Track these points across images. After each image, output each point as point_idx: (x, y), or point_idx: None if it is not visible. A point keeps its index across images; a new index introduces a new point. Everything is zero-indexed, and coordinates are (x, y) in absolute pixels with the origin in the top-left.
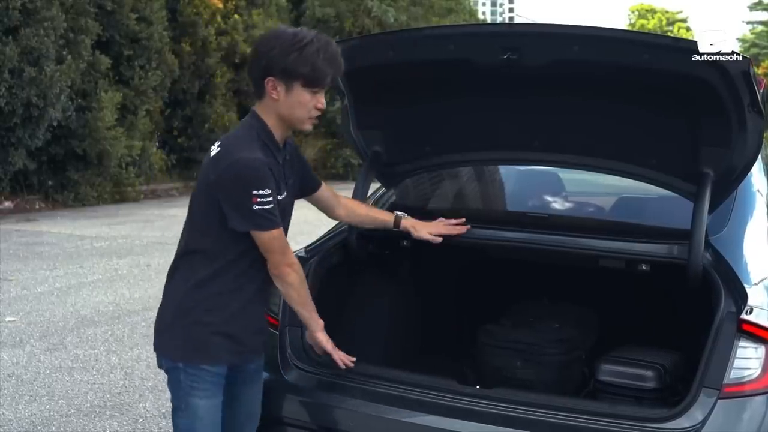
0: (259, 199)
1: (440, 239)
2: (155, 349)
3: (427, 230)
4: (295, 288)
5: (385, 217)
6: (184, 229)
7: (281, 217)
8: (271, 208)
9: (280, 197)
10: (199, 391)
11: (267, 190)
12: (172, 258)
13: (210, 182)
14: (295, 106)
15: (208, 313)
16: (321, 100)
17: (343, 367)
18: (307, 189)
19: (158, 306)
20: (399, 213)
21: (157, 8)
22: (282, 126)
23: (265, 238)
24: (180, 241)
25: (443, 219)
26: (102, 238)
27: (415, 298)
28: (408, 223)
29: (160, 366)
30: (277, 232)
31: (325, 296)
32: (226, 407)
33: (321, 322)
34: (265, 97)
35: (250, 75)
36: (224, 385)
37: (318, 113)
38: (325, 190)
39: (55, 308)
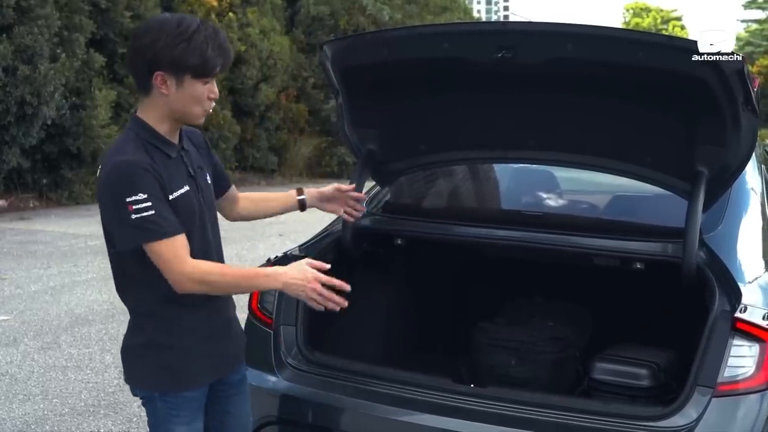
0: (134, 207)
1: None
2: (127, 381)
3: (325, 189)
4: (211, 290)
5: (286, 194)
6: (109, 256)
7: (190, 215)
8: (152, 215)
9: (176, 194)
10: (179, 418)
11: (141, 194)
12: None
13: (98, 202)
14: (188, 100)
15: (178, 337)
16: (213, 90)
17: (345, 303)
18: (218, 189)
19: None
20: (299, 188)
21: (152, 6)
22: (171, 121)
23: (150, 250)
24: (113, 270)
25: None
26: (96, 237)
27: (409, 297)
28: (310, 191)
29: (134, 395)
30: (161, 244)
31: None
32: (219, 424)
33: (267, 270)
34: (152, 93)
35: (132, 69)
36: (208, 403)
37: (212, 104)
38: (233, 189)
39: (49, 307)
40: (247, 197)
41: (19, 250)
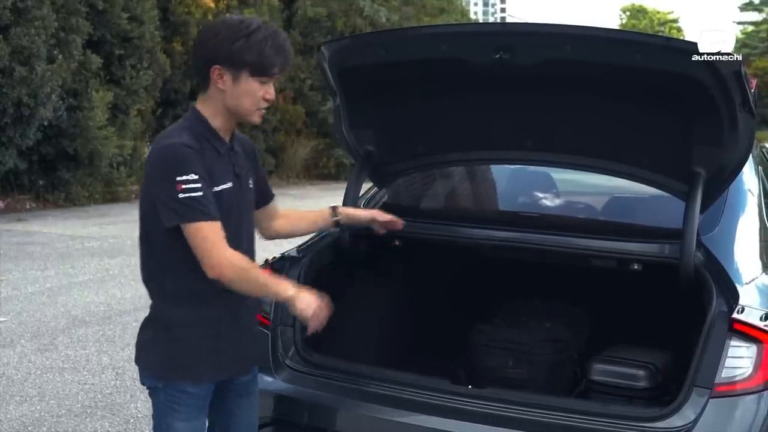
0: (183, 186)
1: (375, 222)
2: (136, 362)
3: (362, 215)
4: (238, 282)
5: (320, 213)
6: (140, 239)
7: (228, 211)
8: (200, 196)
9: (219, 188)
10: (179, 414)
11: (192, 175)
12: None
13: (144, 181)
14: (242, 96)
15: (189, 329)
16: (270, 91)
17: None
18: (260, 200)
19: (149, 306)
20: (333, 206)
21: (149, 7)
22: (226, 117)
23: (191, 231)
24: (141, 253)
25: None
26: (93, 238)
27: (407, 298)
28: (344, 210)
29: (143, 383)
30: (204, 225)
31: None
32: (220, 424)
33: (290, 292)
34: (210, 87)
35: (195, 65)
36: (215, 402)
37: (266, 105)
38: (274, 205)
39: (46, 308)
40: (284, 215)
41: (15, 251)
